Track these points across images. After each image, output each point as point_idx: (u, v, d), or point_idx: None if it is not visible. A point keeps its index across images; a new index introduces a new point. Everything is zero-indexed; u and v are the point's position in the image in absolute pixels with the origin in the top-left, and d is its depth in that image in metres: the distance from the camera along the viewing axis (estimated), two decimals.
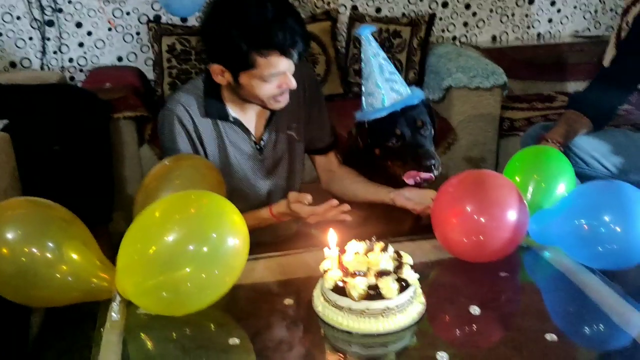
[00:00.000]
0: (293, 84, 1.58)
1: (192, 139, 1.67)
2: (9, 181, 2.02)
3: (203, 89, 1.67)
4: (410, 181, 1.70)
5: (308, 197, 1.57)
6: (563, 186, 1.58)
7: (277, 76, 1.55)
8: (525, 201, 1.43)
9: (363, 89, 1.74)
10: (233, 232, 1.23)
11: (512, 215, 1.38)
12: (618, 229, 1.36)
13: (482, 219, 1.38)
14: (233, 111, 1.69)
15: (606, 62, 3.12)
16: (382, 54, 1.70)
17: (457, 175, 1.50)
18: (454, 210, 1.42)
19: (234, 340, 1.21)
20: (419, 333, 1.25)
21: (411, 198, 1.70)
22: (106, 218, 2.50)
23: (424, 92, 1.76)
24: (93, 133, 2.44)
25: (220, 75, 1.58)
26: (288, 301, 1.34)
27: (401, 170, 1.71)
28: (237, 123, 1.70)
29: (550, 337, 1.20)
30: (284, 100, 1.62)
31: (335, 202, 1.57)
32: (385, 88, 1.67)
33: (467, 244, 1.41)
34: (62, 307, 1.35)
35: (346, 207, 1.56)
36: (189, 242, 1.20)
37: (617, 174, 1.96)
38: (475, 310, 1.29)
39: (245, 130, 1.72)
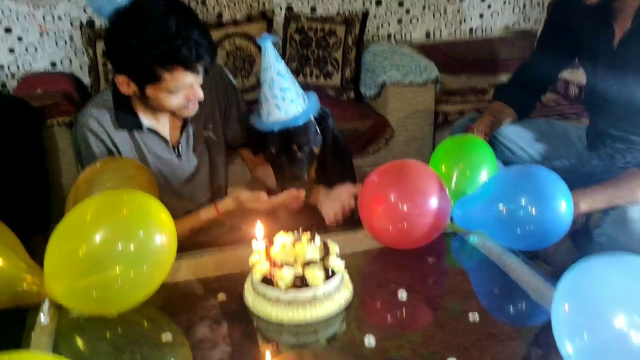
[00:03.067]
0: (200, 95, 1.59)
1: (110, 151, 1.65)
2: None
3: (113, 101, 1.66)
4: None
5: (263, 196, 1.65)
6: (485, 173, 1.65)
7: (184, 88, 1.55)
8: (446, 188, 1.49)
9: (258, 94, 1.71)
10: (160, 229, 1.24)
11: (433, 202, 1.44)
12: (534, 211, 1.44)
13: (405, 207, 1.43)
14: (147, 120, 1.68)
15: None
16: (278, 67, 1.63)
17: (381, 166, 1.55)
18: (379, 199, 1.47)
19: (167, 336, 1.22)
20: (347, 319, 1.29)
21: None
22: (44, 227, 2.45)
23: (317, 104, 1.73)
24: (25, 140, 2.40)
25: (126, 85, 1.57)
26: (221, 296, 1.36)
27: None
28: (153, 132, 1.70)
29: (473, 315, 1.26)
30: (193, 108, 1.63)
31: (294, 191, 1.66)
32: (271, 103, 1.64)
33: (392, 231, 1.46)
34: None
35: (303, 192, 1.66)
36: (117, 240, 1.21)
37: (540, 161, 2.05)
38: (402, 294, 1.34)
39: (162, 139, 1.72)
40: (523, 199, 1.45)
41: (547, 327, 1.22)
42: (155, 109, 1.65)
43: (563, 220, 1.45)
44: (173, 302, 1.38)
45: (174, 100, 1.57)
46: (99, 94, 1.72)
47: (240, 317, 1.31)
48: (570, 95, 3.11)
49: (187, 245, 1.53)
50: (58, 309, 1.29)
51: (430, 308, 1.36)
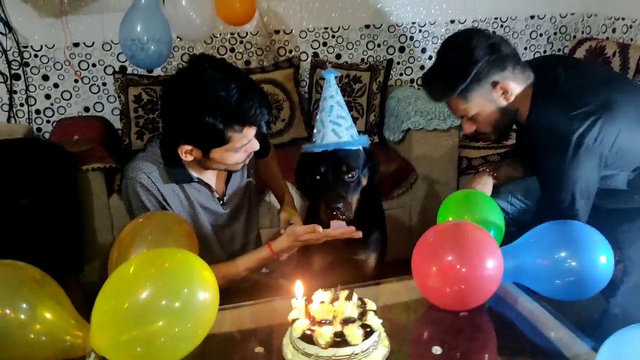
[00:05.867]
0: (257, 146, 1.65)
1: (159, 202, 1.69)
2: None
3: (161, 157, 1.70)
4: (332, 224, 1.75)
5: (318, 227, 1.68)
6: (491, 226, 1.70)
7: (247, 144, 1.62)
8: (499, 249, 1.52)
9: (315, 123, 1.84)
10: (203, 287, 1.28)
11: (490, 263, 1.47)
12: (574, 264, 1.51)
13: (464, 269, 1.45)
14: (195, 172, 1.73)
15: None
16: (338, 98, 1.78)
17: (434, 227, 1.58)
18: (436, 261, 1.49)
19: None
20: None
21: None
22: (77, 269, 2.51)
23: (368, 139, 1.86)
24: (61, 185, 2.46)
25: (189, 153, 1.61)
26: (259, 349, 1.39)
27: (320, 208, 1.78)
28: (201, 182, 1.75)
29: None
30: (247, 161, 1.70)
31: (352, 227, 1.71)
32: (327, 127, 1.76)
33: (449, 293, 1.48)
34: None
35: (352, 228, 1.71)
36: (162, 297, 1.24)
37: None
38: (436, 350, 1.36)
39: (209, 188, 1.77)
40: (563, 252, 1.51)
41: None
42: (208, 168, 1.70)
43: (603, 273, 1.51)
44: (212, 355, 1.41)
45: (236, 157, 1.63)
46: (146, 149, 1.77)
47: None
48: None
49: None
50: None
51: None
